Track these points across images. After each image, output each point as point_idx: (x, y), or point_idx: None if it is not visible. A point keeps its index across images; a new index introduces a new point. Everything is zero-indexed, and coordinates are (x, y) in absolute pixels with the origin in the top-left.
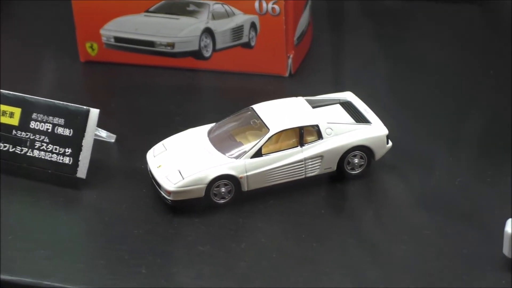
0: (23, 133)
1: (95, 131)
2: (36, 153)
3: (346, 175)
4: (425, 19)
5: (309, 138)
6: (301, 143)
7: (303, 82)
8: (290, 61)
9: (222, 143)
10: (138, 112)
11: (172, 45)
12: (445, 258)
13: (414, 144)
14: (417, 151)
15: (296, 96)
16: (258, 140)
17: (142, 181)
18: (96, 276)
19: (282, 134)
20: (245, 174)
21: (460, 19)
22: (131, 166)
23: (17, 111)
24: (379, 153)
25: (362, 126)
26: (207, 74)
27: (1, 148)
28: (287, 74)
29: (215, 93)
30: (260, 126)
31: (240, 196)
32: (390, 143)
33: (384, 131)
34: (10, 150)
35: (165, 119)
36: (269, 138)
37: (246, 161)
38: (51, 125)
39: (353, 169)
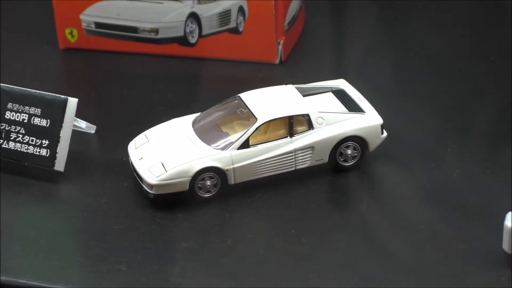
0: None
1: (73, 122)
2: (11, 144)
3: (338, 167)
4: (426, 1)
5: (299, 128)
6: (291, 133)
7: (294, 69)
8: (280, 47)
9: (207, 133)
10: (120, 102)
11: (156, 31)
12: (441, 254)
13: (410, 134)
14: (413, 142)
15: (286, 83)
16: (245, 131)
17: (123, 174)
18: (74, 274)
19: (271, 124)
20: (231, 166)
21: (463, 4)
22: (112, 159)
23: None
24: (373, 144)
25: (355, 115)
26: (193, 62)
27: None
28: (277, 61)
29: (201, 81)
30: (247, 116)
31: (226, 189)
32: (385, 133)
33: (379, 120)
34: None
35: (148, 109)
36: (257, 128)
37: (233, 152)
38: (27, 115)
39: (346, 160)
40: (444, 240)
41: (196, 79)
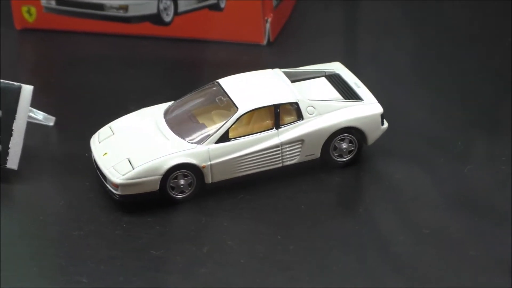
0: None
1: (29, 113)
2: None
3: (332, 163)
4: None
5: (287, 119)
6: (277, 124)
7: (283, 52)
8: (268, 26)
9: (181, 125)
10: (83, 89)
11: (125, 8)
12: (446, 261)
13: (415, 125)
14: (419, 134)
15: (273, 67)
16: (225, 122)
17: (84, 173)
18: (28, 286)
19: (254, 114)
20: (208, 163)
21: None
22: (72, 154)
23: None
24: (372, 137)
25: (352, 104)
26: (167, 43)
27: None
28: (264, 42)
29: (176, 65)
30: (227, 105)
31: (203, 189)
32: (386, 124)
33: (379, 109)
34: None
35: (114, 97)
36: (237, 119)
37: (210, 146)
38: None
39: (340, 156)
40: (450, 246)
41: (170, 63)
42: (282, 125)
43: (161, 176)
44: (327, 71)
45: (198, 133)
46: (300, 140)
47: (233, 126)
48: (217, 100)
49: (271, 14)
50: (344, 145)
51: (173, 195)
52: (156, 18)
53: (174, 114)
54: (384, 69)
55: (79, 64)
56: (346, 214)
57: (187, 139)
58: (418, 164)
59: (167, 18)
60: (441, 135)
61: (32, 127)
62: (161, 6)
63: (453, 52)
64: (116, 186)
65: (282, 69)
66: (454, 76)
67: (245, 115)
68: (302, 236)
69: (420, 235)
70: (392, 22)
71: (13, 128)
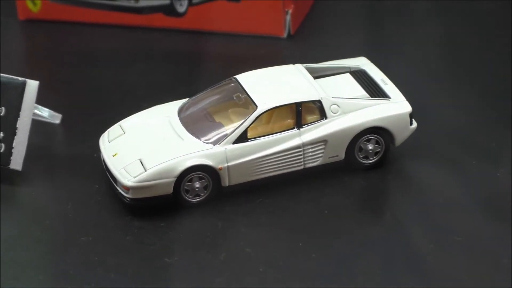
0: None
1: (34, 110)
2: None
3: (357, 165)
4: None
5: (310, 118)
6: (299, 124)
7: (305, 45)
8: (288, 18)
9: (196, 124)
10: (91, 85)
11: None
12: (479, 269)
13: (446, 125)
14: (450, 135)
15: (294, 62)
16: (243, 120)
17: (93, 174)
18: None
19: (274, 112)
20: (226, 165)
21: None
22: (80, 155)
23: None
24: (400, 137)
25: (378, 102)
26: (181, 36)
27: None
28: (284, 35)
29: (191, 60)
30: (245, 103)
31: (220, 193)
32: (415, 124)
33: (407, 108)
34: None
35: (124, 93)
36: (256, 118)
37: (228, 147)
38: None
39: (366, 157)
40: (483, 254)
41: (184, 57)
42: (304, 125)
43: (175, 179)
44: (352, 67)
45: (214, 133)
46: (323, 141)
47: (252, 125)
48: (234, 98)
49: (292, 5)
50: (370, 146)
51: (188, 198)
52: (169, 9)
53: (189, 112)
54: (413, 64)
55: (87, 58)
56: (372, 220)
57: (203, 139)
58: (449, 167)
59: (181, 9)
60: (474, 136)
61: (37, 125)
62: None
63: (487, 45)
64: (127, 188)
65: (304, 65)
66: (488, 73)
67: (265, 113)
68: (325, 243)
69: (451, 242)
70: (420, 12)
71: (17, 126)
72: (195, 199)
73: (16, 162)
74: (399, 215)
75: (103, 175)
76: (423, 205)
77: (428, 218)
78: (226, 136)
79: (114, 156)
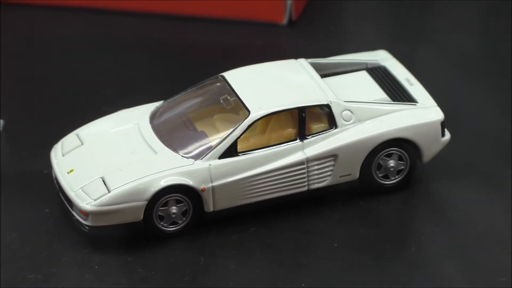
0: None
1: None
2: None
3: (375, 186)
4: None
5: (315, 127)
6: (302, 134)
7: (309, 34)
8: (289, 3)
9: (173, 133)
10: (43, 82)
11: None
12: None
13: (486, 137)
14: (490, 148)
15: (297, 57)
16: (232, 130)
17: (43, 196)
18: None
19: (271, 119)
20: (210, 185)
21: None
22: (27, 171)
23: None
24: (429, 151)
25: (402, 107)
26: (159, 21)
27: None
28: (284, 22)
29: (169, 51)
30: (235, 107)
31: (202, 220)
32: (448, 135)
33: (438, 115)
34: None
35: (83, 93)
36: (249, 126)
37: (212, 163)
38: None
39: (386, 177)
40: None
41: (161, 49)
42: (308, 135)
43: (146, 202)
44: (369, 63)
45: (196, 145)
46: (332, 156)
47: (243, 135)
48: (221, 101)
49: None
50: (392, 163)
51: (162, 227)
52: None
53: (163, 118)
54: (444, 59)
55: (38, 47)
56: (393, 255)
57: (181, 152)
58: (489, 189)
59: None
60: None
61: None
62: None
63: None
64: (86, 214)
65: (309, 59)
66: None
67: (259, 121)
68: (335, 284)
69: (492, 283)
70: None
71: None
72: (171, 228)
73: None
74: (427, 248)
75: (56, 196)
76: (456, 237)
77: (461, 252)
78: (210, 149)
79: (70, 173)
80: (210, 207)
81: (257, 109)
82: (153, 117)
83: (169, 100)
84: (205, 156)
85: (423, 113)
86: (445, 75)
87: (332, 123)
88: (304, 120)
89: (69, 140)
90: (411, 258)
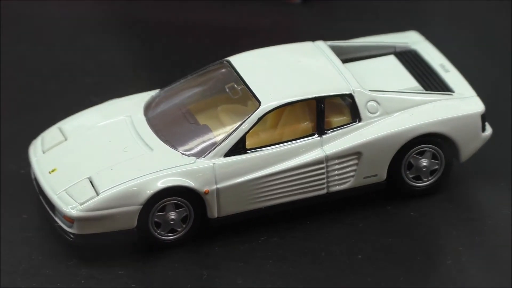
0: None
1: None
2: None
3: (405, 189)
4: None
5: (336, 120)
6: (321, 128)
7: (328, 12)
8: None
9: (171, 127)
10: (18, 69)
11: None
12: None
13: None
14: None
15: (314, 39)
16: (240, 123)
17: (21, 199)
18: None
19: (285, 111)
20: (214, 187)
21: None
22: (1, 171)
23: None
24: (467, 149)
25: (436, 97)
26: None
27: None
28: None
29: (164, 32)
30: (243, 97)
31: (205, 227)
32: (489, 130)
33: (479, 106)
34: None
35: (66, 80)
36: (259, 119)
37: (217, 161)
38: None
39: (418, 178)
40: None
41: (156, 30)
42: (328, 130)
43: (140, 207)
44: (398, 46)
45: (197, 140)
46: (355, 153)
47: (252, 130)
48: (227, 89)
49: None
50: (424, 162)
51: (159, 235)
52: None
53: (160, 109)
54: (483, 42)
55: (16, 27)
56: (427, 268)
57: (181, 149)
58: None
59: None
60: None
61: None
62: None
63: None
64: (71, 220)
65: (328, 42)
66: None
67: (271, 113)
68: None
69: None
70: None
71: None
72: (170, 237)
73: None
74: (464, 261)
75: (36, 200)
76: (499, 248)
77: (506, 266)
78: (214, 145)
79: (52, 173)
80: (214, 212)
81: (269, 99)
82: (147, 108)
83: (166, 89)
84: (208, 153)
85: (460, 104)
86: (484, 61)
87: (355, 115)
88: (323, 112)
89: (50, 135)
90: (447, 272)
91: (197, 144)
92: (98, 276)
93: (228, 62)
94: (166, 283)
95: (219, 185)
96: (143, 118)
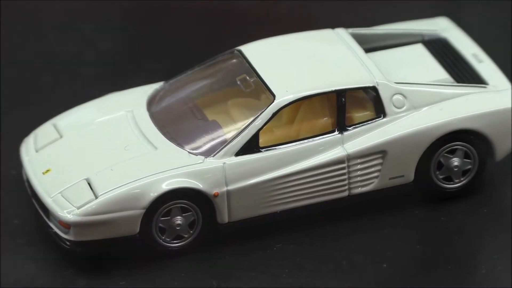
0: None
1: None
2: None
3: (434, 191)
4: None
5: (358, 115)
6: (342, 124)
7: None
8: None
9: (177, 124)
10: (10, 59)
11: None
12: None
13: None
14: None
15: (333, 26)
16: (252, 119)
17: (11, 203)
18: None
19: (302, 106)
20: (224, 189)
21: None
22: None
23: None
24: (503, 147)
25: (469, 90)
26: None
27: None
28: None
29: (171, 18)
30: (256, 90)
31: (215, 234)
32: None
33: None
34: None
35: (63, 73)
36: (274, 115)
37: (228, 161)
38: None
39: (449, 179)
40: None
41: (159, 16)
42: (349, 126)
43: (143, 211)
44: (426, 33)
45: (206, 138)
46: (380, 152)
47: (266, 126)
48: (238, 82)
49: None
50: (456, 162)
51: (164, 242)
52: None
53: (165, 104)
54: None
55: (7, 15)
56: (458, 278)
57: (188, 147)
58: None
59: None
60: None
61: None
62: None
63: None
64: (67, 226)
65: (350, 29)
66: None
67: (287, 108)
68: None
69: None
70: None
71: None
72: (175, 244)
73: None
74: (500, 270)
75: (28, 203)
76: None
77: None
78: (225, 143)
79: (46, 174)
80: (224, 217)
81: (284, 92)
82: (151, 102)
83: (171, 81)
84: (218, 152)
85: (495, 97)
86: None
87: (379, 110)
88: (344, 107)
89: (44, 132)
90: (480, 282)
91: (206, 142)
92: (97, 287)
93: (240, 51)
94: None
95: (230, 187)
96: (146, 114)
